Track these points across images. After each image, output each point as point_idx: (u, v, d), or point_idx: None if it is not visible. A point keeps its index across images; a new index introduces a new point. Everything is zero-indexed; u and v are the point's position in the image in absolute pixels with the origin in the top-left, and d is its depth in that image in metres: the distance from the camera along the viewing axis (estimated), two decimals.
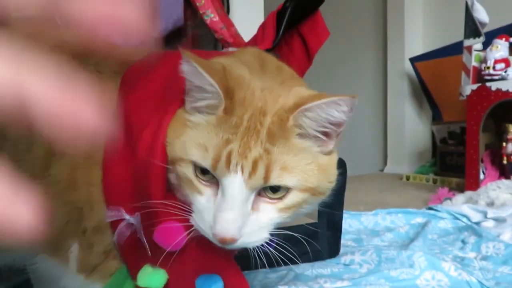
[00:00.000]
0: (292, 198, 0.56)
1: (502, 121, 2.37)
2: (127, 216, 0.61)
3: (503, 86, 2.22)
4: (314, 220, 1.27)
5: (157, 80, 0.65)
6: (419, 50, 3.63)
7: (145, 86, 0.65)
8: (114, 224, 0.62)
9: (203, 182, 0.56)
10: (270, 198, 0.56)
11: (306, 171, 0.56)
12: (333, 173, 0.61)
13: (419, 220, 1.70)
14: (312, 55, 2.11)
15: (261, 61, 0.65)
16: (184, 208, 0.58)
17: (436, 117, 3.48)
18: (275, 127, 0.55)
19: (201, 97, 0.57)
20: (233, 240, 0.54)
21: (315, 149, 0.58)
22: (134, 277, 0.63)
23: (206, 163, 0.54)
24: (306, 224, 1.27)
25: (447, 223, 1.67)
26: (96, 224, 0.64)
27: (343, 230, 1.33)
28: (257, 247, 0.59)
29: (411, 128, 3.71)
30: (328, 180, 0.60)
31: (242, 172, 0.53)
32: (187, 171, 0.56)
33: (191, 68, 0.55)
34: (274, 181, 0.54)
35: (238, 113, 0.55)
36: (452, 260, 1.21)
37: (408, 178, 3.16)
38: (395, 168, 3.70)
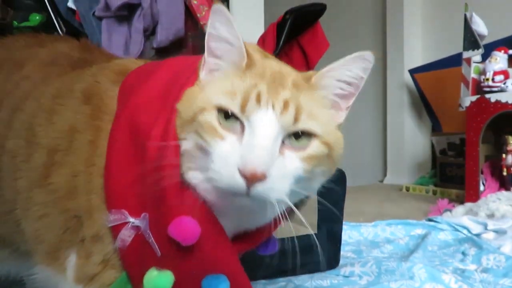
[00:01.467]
0: (314, 148, 0.56)
1: (501, 132, 2.38)
2: (131, 219, 0.60)
3: (502, 97, 2.23)
4: (313, 231, 1.26)
5: (160, 81, 0.65)
6: (418, 62, 3.65)
7: (148, 88, 0.65)
8: (115, 230, 0.62)
9: (227, 128, 0.55)
10: (293, 147, 0.56)
11: (327, 124, 0.58)
12: (342, 146, 0.63)
13: (419, 231, 1.69)
14: (312, 66, 2.12)
15: (262, 53, 0.67)
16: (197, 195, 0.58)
17: (436, 128, 3.48)
18: (299, 80, 0.59)
19: (225, 51, 0.59)
20: (263, 176, 0.51)
21: (332, 112, 0.61)
22: (135, 283, 0.62)
23: (235, 105, 0.55)
24: (306, 235, 1.26)
25: (447, 234, 1.67)
26: (95, 232, 0.63)
27: (342, 241, 1.32)
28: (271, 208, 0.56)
29: (411, 139, 3.72)
30: (339, 149, 0.61)
31: (273, 108, 0.54)
32: (210, 118, 0.55)
33: (223, 17, 0.57)
34: (303, 123, 0.55)
35: (259, 68, 0.58)
36: (453, 272, 1.21)
37: (408, 189, 3.16)
38: (395, 179, 3.69)
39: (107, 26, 1.62)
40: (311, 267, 1.25)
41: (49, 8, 1.60)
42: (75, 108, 0.69)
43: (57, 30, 1.59)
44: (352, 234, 1.70)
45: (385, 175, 3.90)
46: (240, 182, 0.51)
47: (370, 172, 4.02)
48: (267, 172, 0.51)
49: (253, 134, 0.53)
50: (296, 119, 0.55)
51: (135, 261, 0.62)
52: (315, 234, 1.26)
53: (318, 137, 0.57)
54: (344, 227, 1.39)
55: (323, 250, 1.26)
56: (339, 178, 1.28)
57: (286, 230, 1.39)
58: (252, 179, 0.51)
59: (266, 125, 0.53)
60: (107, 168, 0.63)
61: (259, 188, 0.52)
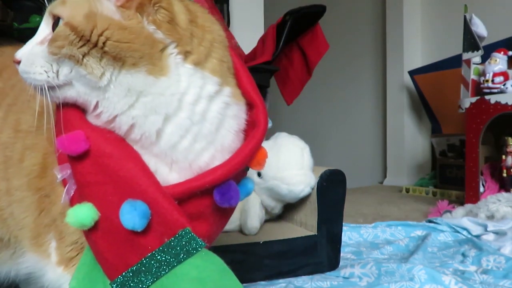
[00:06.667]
0: (56, 30, 0.58)
1: (501, 134, 2.38)
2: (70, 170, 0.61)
3: (502, 99, 2.23)
4: (313, 232, 1.26)
5: None
6: (418, 63, 3.65)
7: None
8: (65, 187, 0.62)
9: None
10: None
11: (77, 7, 0.58)
12: (106, 28, 0.56)
13: (419, 233, 1.69)
14: (312, 68, 2.12)
15: None
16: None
17: (436, 130, 3.48)
18: None
19: None
20: (16, 61, 0.59)
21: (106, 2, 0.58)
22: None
23: None
24: (306, 236, 1.26)
25: (447, 236, 1.67)
26: (62, 209, 0.63)
27: (342, 243, 1.32)
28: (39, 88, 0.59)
29: (411, 140, 3.72)
30: (126, 42, 0.56)
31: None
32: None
33: None
34: (53, 8, 0.60)
35: None
36: (453, 273, 1.20)
37: (407, 190, 3.16)
38: (395, 181, 3.69)
39: None
40: (311, 268, 1.25)
41: None
42: None
43: None
44: (352, 235, 1.70)
45: (385, 176, 3.90)
46: None
47: (370, 174, 4.02)
48: (17, 57, 0.59)
49: None
50: (53, 6, 0.59)
51: None
52: (315, 235, 1.26)
53: (62, 20, 0.58)
54: (344, 228, 1.39)
55: (323, 252, 1.26)
56: (339, 179, 1.28)
57: (287, 231, 1.39)
58: (14, 62, 0.60)
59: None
60: (56, 129, 0.63)
61: (18, 69, 0.60)
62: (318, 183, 1.26)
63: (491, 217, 1.84)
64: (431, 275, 1.11)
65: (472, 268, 1.30)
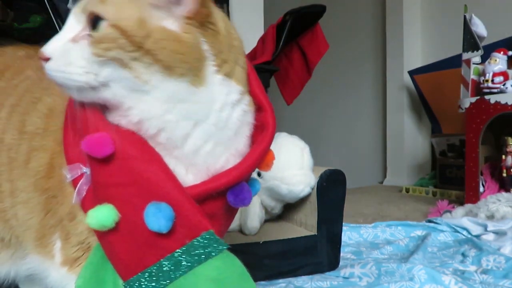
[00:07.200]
0: (100, 30, 0.55)
1: (501, 134, 2.38)
2: (84, 168, 0.60)
3: (502, 99, 2.23)
4: (313, 232, 1.26)
5: None
6: (418, 63, 3.66)
7: None
8: (75, 186, 0.61)
9: None
10: (91, 36, 0.56)
11: (122, 9, 0.55)
12: (161, 37, 0.55)
13: (419, 233, 1.69)
14: (312, 68, 2.13)
15: None
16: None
17: (436, 130, 3.49)
18: None
19: None
20: (44, 57, 0.56)
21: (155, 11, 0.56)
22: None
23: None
24: (306, 236, 1.26)
25: (447, 236, 1.67)
26: (70, 209, 0.63)
27: (342, 243, 1.32)
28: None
29: (411, 140, 3.72)
30: (152, 38, 0.55)
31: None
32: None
33: None
34: (91, 6, 0.56)
35: None
36: (453, 273, 1.21)
37: (407, 190, 3.16)
38: (395, 181, 3.69)
39: None
40: (311, 268, 1.25)
41: (49, 9, 1.60)
42: (56, 92, 0.70)
43: (58, 31, 1.59)
44: (352, 235, 1.70)
45: (385, 176, 3.90)
46: None
47: (370, 174, 4.02)
48: (48, 54, 0.56)
49: None
50: (91, 4, 0.56)
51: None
52: (315, 235, 1.26)
53: (106, 20, 0.55)
54: (344, 228, 1.39)
55: (323, 252, 1.26)
56: (339, 179, 1.28)
57: (287, 231, 1.40)
58: (41, 59, 0.57)
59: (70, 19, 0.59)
60: (64, 129, 0.63)
61: (49, 68, 0.57)
62: (318, 183, 1.27)
63: (491, 217, 1.84)
64: (431, 275, 1.11)
65: (472, 268, 1.30)
